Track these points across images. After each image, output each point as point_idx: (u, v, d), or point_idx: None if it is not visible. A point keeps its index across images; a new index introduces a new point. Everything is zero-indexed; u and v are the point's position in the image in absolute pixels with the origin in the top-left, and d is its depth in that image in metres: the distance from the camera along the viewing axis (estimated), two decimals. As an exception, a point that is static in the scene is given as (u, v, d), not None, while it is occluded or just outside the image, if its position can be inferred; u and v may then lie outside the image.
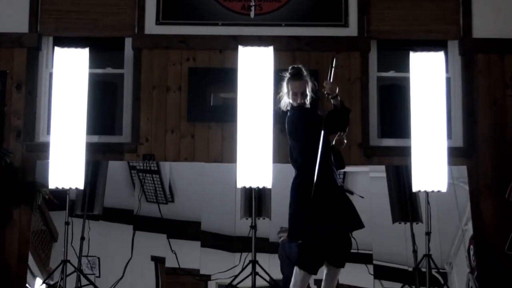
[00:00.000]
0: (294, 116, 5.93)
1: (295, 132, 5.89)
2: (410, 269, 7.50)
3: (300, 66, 5.98)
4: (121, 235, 7.63)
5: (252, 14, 8.23)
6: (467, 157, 8.00)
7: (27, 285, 7.47)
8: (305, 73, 5.92)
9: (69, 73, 7.39)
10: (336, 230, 5.69)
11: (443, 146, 7.38)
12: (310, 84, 5.90)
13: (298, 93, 5.86)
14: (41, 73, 8.21)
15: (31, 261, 7.54)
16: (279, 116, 6.26)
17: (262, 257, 7.31)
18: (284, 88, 5.98)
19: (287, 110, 5.98)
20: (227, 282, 7.34)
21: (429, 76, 7.46)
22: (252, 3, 8.24)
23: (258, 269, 7.10)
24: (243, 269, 7.30)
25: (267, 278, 7.27)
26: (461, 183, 7.83)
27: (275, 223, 7.66)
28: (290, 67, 5.97)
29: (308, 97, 5.89)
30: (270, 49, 7.49)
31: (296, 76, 5.89)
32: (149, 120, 8.08)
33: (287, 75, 5.94)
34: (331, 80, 5.75)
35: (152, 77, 8.14)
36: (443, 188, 7.33)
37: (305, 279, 5.72)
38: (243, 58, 7.48)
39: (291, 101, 5.90)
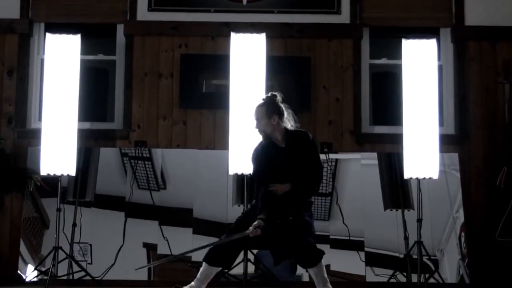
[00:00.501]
0: (255, 150, 5.82)
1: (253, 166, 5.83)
2: (402, 256, 7.49)
3: (271, 94, 5.80)
4: (113, 222, 7.60)
5: (244, 0, 8.19)
6: (459, 145, 8.02)
7: (18, 271, 7.46)
8: (271, 101, 5.73)
9: (61, 60, 7.39)
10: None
11: (435, 133, 7.38)
12: (273, 116, 5.65)
13: (255, 120, 5.72)
14: (32, 59, 8.20)
15: (22, 248, 7.52)
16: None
17: (254, 244, 7.32)
18: None
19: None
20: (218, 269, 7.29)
21: (421, 63, 7.45)
22: (245, -10, 8.31)
23: (250, 256, 7.12)
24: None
25: (261, 264, 7.34)
26: (452, 170, 7.84)
27: (267, 210, 7.67)
28: None
29: (271, 129, 5.67)
30: (263, 36, 7.51)
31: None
32: (141, 107, 8.07)
33: None
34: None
35: (144, 64, 8.12)
36: (435, 175, 7.32)
37: (205, 270, 5.67)
38: (235, 45, 7.51)
39: None
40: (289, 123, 5.76)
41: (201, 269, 5.68)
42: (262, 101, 5.73)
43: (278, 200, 5.57)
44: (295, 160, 5.61)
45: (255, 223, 5.50)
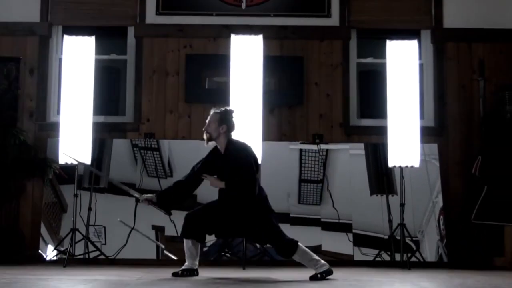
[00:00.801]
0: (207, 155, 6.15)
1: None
2: (386, 237, 7.68)
3: (230, 109, 6.08)
4: (124, 206, 7.71)
5: (243, 5, 8.35)
6: (438, 136, 8.17)
7: (39, 251, 7.63)
8: (227, 113, 6.00)
9: (77, 59, 7.53)
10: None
11: (416, 125, 7.53)
12: (222, 125, 5.94)
13: (206, 122, 6.02)
14: (51, 59, 8.34)
15: (43, 230, 7.69)
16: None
17: (252, 226, 7.52)
18: None
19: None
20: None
21: (403, 62, 7.58)
22: (244, -5, 8.38)
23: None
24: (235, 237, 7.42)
25: (257, 245, 7.50)
26: (432, 160, 7.99)
27: (264, 195, 7.87)
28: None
29: (217, 135, 5.97)
30: (260, 37, 7.65)
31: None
32: (150, 102, 8.22)
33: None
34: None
35: (152, 63, 8.27)
36: (416, 163, 7.48)
37: (186, 245, 5.90)
38: (235, 46, 7.64)
39: None
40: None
41: (184, 246, 5.91)
42: (219, 110, 6.01)
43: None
44: (230, 166, 5.86)
45: (149, 195, 6.06)
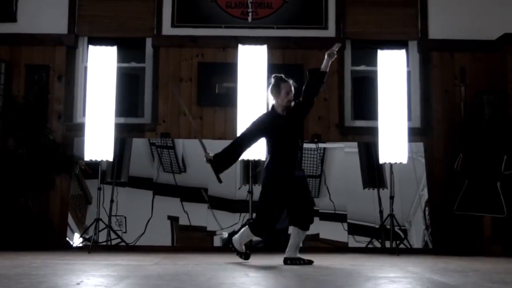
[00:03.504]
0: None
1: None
2: (377, 226, 7.67)
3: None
4: (143, 198, 7.76)
5: (249, 18, 8.35)
6: (424, 136, 8.17)
7: (67, 238, 7.64)
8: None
9: (101, 67, 7.51)
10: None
11: (404, 126, 7.52)
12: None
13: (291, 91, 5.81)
14: (77, 67, 8.37)
15: (70, 220, 7.70)
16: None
17: (257, 216, 7.48)
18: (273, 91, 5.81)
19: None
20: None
21: (393, 69, 7.58)
22: (250, 10, 8.36)
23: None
24: (242, 226, 7.29)
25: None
26: (418, 157, 7.99)
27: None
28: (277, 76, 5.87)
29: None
30: (264, 47, 7.64)
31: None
32: (165, 105, 8.21)
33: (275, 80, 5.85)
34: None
35: (168, 70, 8.26)
36: (404, 160, 7.47)
37: (249, 237, 5.88)
38: (242, 55, 7.63)
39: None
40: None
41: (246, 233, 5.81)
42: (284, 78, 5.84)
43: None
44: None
45: (211, 154, 5.80)
